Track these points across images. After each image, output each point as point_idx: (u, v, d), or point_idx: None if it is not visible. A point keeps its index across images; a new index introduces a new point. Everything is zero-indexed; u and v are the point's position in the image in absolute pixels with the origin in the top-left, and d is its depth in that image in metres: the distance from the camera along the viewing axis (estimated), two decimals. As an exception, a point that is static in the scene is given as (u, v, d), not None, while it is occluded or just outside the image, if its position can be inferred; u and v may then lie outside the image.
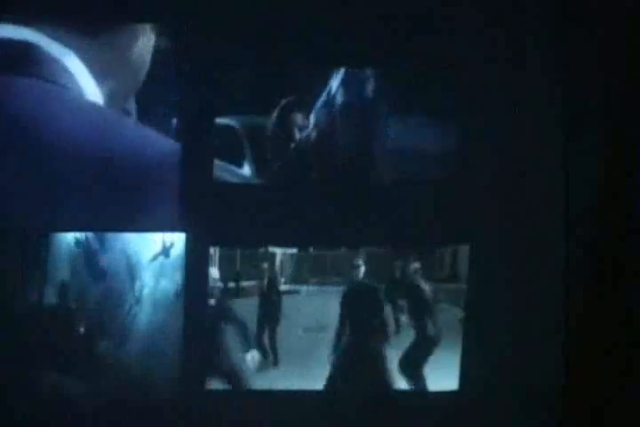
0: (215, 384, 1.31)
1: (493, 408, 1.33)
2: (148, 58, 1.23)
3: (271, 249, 1.31)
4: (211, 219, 1.28)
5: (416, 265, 1.32)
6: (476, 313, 1.33)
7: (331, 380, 1.32)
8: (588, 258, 1.31)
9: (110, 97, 1.21)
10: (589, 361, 1.32)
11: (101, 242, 1.24)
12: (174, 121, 1.25)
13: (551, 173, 1.30)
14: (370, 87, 1.30)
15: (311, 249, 1.32)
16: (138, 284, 1.26)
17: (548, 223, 1.32)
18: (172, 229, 1.24)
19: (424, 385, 1.34)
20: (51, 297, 1.25)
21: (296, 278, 1.33)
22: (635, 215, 1.31)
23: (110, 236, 1.24)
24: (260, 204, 1.29)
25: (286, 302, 1.32)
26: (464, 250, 1.31)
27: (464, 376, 1.33)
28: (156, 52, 1.24)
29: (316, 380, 1.33)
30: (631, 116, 1.29)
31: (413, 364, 1.33)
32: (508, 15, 1.27)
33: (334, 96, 1.29)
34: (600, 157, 1.30)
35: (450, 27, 1.26)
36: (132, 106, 1.24)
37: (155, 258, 1.26)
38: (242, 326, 1.31)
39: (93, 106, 1.19)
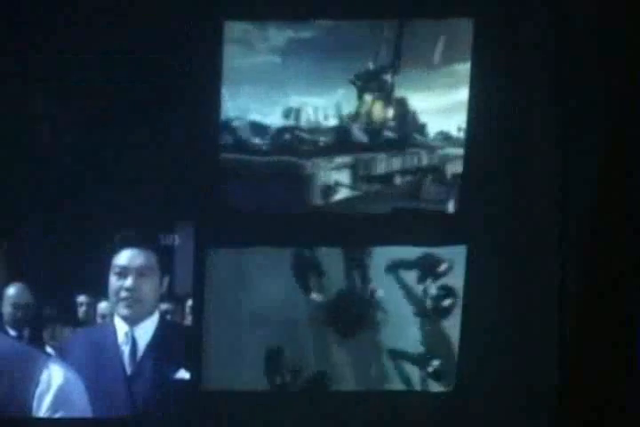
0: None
1: (493, 408, 1.33)
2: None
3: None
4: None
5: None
6: (474, 313, 1.32)
7: (327, 379, 1.33)
8: (588, 258, 1.31)
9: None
10: (589, 361, 1.31)
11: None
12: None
13: (551, 173, 1.30)
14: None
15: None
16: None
17: (547, 223, 1.31)
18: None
19: (422, 385, 1.34)
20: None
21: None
22: (635, 215, 1.31)
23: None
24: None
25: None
26: (463, 250, 1.30)
27: (463, 376, 1.33)
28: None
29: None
30: (631, 116, 1.29)
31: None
32: (508, 15, 1.27)
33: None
34: (600, 156, 1.29)
35: (448, 27, 1.26)
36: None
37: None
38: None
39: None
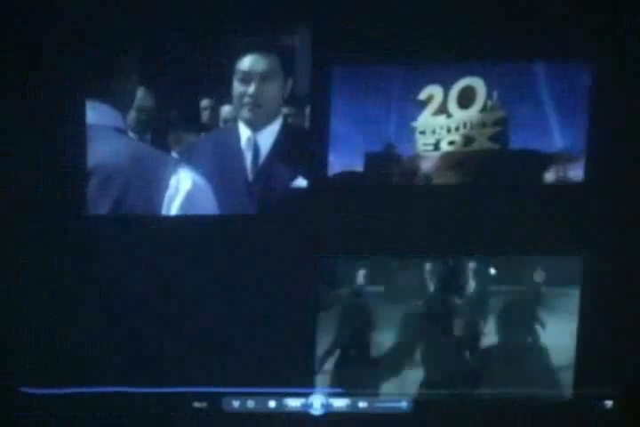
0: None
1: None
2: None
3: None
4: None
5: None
6: (590, 324, 1.28)
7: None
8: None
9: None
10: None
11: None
12: None
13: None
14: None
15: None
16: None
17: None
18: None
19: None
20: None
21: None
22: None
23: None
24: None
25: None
26: (578, 260, 1.25)
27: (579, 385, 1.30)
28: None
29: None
30: None
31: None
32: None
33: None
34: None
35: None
36: None
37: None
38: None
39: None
